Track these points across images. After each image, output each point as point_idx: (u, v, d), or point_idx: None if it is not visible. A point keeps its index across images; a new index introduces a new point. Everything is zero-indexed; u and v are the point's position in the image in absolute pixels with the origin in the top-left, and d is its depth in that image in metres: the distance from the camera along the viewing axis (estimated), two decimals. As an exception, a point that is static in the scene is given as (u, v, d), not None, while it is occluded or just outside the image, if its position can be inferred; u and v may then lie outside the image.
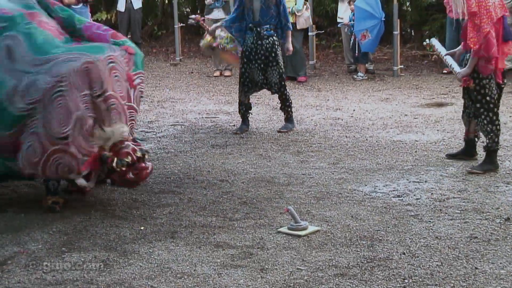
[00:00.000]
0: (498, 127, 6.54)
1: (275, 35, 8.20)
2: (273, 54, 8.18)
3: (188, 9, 16.90)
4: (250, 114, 8.51)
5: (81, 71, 5.31)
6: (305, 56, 12.24)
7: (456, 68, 6.64)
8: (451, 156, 6.99)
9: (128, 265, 4.60)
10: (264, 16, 8.13)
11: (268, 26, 8.14)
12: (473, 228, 5.12)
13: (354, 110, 9.50)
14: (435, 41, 7.17)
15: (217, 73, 12.27)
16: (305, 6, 11.56)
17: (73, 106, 5.26)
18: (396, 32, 11.84)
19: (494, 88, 6.47)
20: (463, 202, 5.69)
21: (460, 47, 6.83)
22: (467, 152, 6.91)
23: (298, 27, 11.50)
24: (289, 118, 8.45)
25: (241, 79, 8.31)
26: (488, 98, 6.47)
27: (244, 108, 8.39)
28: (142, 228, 5.25)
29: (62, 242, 5.00)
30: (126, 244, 4.96)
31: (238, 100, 8.43)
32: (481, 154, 6.96)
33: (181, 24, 13.96)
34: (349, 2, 11.83)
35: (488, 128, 6.51)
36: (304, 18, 11.53)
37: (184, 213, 5.58)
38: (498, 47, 6.40)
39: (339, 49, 13.66)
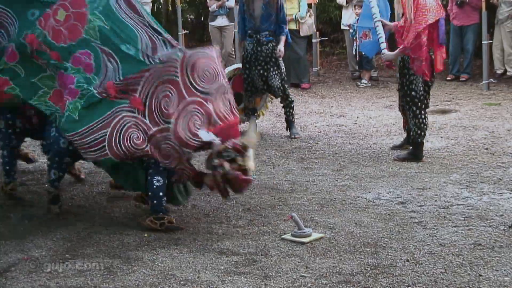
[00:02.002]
0: (422, 120, 7.00)
1: (273, 40, 8.28)
2: (273, 59, 8.27)
3: (192, 16, 16.93)
4: (257, 118, 8.59)
5: None
6: (308, 63, 12.25)
7: (383, 43, 7.20)
8: (396, 147, 7.49)
9: (131, 272, 4.60)
10: (264, 23, 8.22)
11: (267, 32, 8.24)
12: (477, 235, 5.11)
13: (357, 117, 9.51)
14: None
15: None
16: (308, 13, 11.57)
17: None
18: (400, 39, 11.82)
19: (420, 85, 6.90)
20: (467, 209, 5.68)
21: (395, 22, 7.43)
22: (409, 141, 7.29)
23: (302, 34, 11.51)
24: (293, 123, 8.48)
25: (244, 85, 8.39)
26: (413, 93, 6.94)
27: (250, 113, 8.48)
28: (145, 235, 5.25)
29: (65, 249, 5.00)
30: (129, 251, 4.96)
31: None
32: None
33: (185, 31, 13.98)
34: (354, 7, 11.81)
35: (413, 121, 7.01)
36: (308, 25, 11.54)
37: (188, 220, 5.58)
38: (435, 49, 6.85)
39: (343, 56, 13.67)
